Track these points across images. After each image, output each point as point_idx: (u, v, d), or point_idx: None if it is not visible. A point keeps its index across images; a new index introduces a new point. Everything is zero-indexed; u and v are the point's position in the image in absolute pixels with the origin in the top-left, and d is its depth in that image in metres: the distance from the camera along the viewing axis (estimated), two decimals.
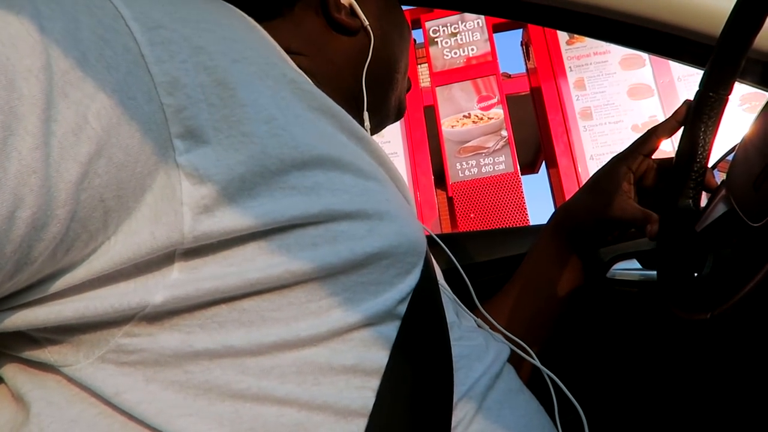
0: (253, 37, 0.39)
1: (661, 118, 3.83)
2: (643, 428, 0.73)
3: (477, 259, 0.88)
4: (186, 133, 0.31)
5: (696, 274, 0.54)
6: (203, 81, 0.32)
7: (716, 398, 0.63)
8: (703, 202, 0.54)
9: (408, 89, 0.64)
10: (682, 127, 0.56)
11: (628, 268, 0.76)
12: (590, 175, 0.67)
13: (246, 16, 0.42)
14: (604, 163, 0.64)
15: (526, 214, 3.88)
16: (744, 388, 0.59)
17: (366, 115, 0.55)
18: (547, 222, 0.70)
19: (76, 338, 0.32)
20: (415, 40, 4.61)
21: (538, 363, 0.53)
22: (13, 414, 0.33)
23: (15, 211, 0.25)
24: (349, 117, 0.42)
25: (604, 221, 0.62)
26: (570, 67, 4.15)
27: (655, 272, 0.67)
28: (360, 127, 0.43)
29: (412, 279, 0.40)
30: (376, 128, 0.59)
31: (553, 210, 0.74)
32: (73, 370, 0.32)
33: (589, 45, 4.13)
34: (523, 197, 3.90)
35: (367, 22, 0.53)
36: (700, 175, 0.53)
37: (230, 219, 0.31)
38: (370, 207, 0.37)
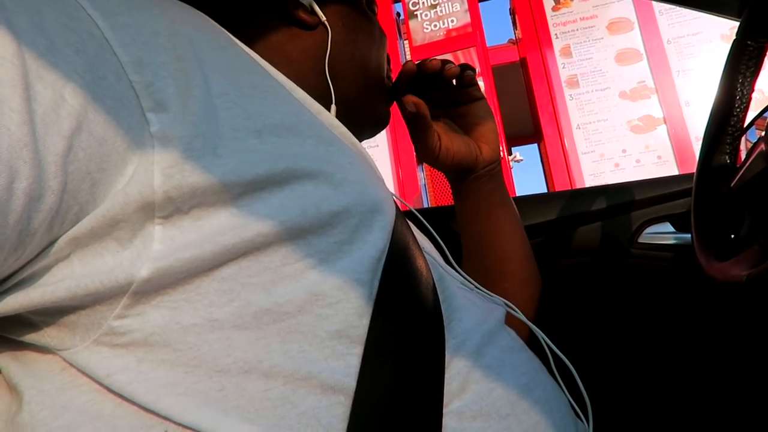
0: (204, 22, 0.42)
1: (650, 84, 3.82)
2: (670, 404, 0.72)
3: None
4: (156, 106, 0.33)
5: (733, 236, 0.52)
6: (164, 60, 0.35)
7: (746, 370, 0.62)
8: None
9: (391, 102, 0.64)
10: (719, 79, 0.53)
11: (661, 231, 0.73)
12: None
13: (196, 10, 0.43)
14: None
15: (512, 185, 3.86)
16: None
17: (333, 108, 0.56)
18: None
19: (72, 322, 0.33)
20: (398, 14, 4.53)
21: (522, 317, 0.53)
22: (8, 404, 0.35)
23: (12, 182, 0.27)
24: (305, 93, 0.46)
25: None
26: (556, 34, 4.07)
27: (689, 236, 0.65)
28: (314, 101, 0.46)
29: (382, 238, 0.40)
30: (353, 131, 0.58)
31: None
32: (70, 354, 0.34)
33: (576, 10, 4.06)
34: (507, 168, 3.86)
35: (324, 18, 0.56)
36: (738, 129, 0.50)
37: (198, 175, 0.33)
38: (332, 168, 0.39)
